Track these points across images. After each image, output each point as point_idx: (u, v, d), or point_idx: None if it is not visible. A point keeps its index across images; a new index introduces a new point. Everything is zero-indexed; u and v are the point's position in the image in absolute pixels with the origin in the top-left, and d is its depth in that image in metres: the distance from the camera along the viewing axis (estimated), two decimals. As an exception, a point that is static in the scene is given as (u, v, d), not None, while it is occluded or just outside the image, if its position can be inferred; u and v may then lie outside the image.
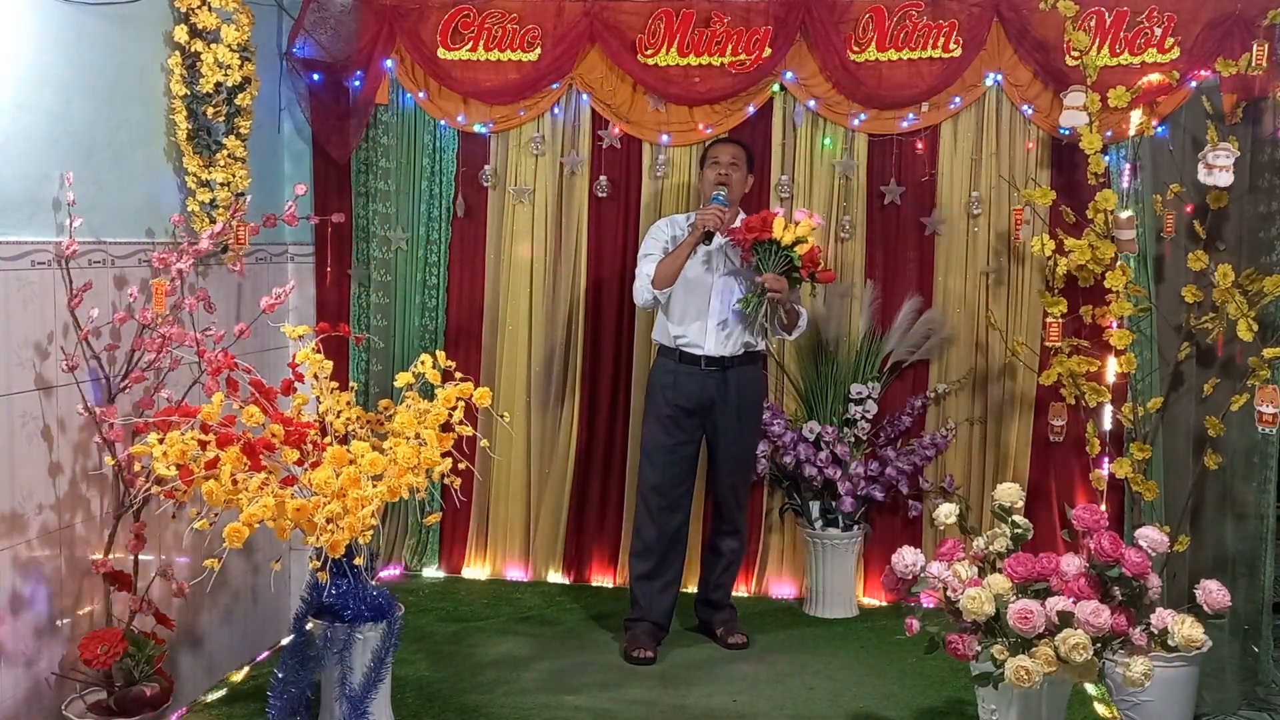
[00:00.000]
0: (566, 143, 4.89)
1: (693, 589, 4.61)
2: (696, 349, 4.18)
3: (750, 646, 4.30)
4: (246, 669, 3.97)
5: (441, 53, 4.82)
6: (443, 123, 4.91)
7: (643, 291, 4.22)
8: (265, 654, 4.11)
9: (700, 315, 4.19)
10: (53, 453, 3.53)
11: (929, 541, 4.71)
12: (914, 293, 4.76)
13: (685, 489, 4.30)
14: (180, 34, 3.98)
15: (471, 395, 3.36)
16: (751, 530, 4.90)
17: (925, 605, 3.13)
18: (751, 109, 4.75)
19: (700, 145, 4.71)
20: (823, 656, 4.24)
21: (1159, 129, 4.43)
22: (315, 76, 4.76)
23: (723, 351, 4.17)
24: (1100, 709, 3.74)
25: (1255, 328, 4.09)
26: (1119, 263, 4.29)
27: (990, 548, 3.12)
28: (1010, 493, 3.18)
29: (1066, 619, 2.85)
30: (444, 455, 3.29)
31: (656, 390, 4.28)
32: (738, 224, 4.16)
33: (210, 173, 4.10)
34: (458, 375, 3.41)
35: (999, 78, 4.60)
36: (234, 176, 4.16)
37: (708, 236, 4.11)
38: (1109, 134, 4.40)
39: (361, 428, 3.52)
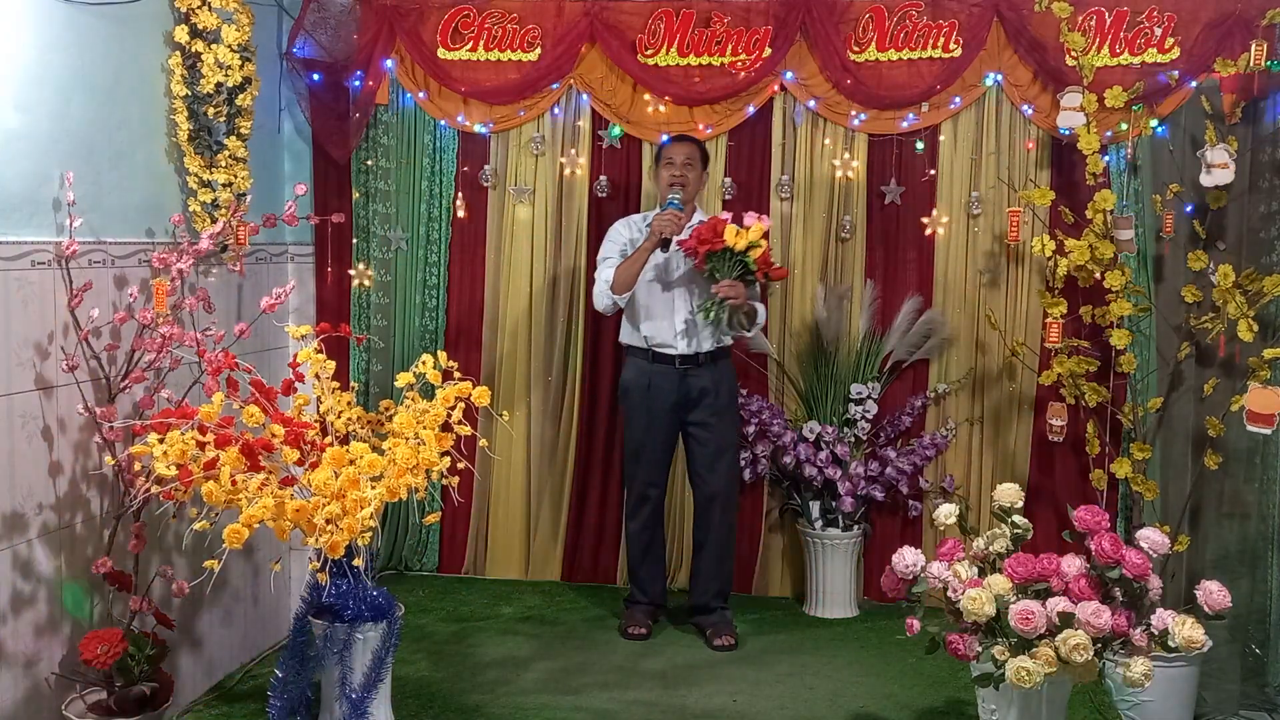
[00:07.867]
0: (566, 143, 4.89)
1: (687, 583, 4.65)
2: (669, 349, 4.24)
3: (751, 647, 4.30)
4: (246, 669, 3.97)
5: (441, 53, 4.81)
6: (443, 123, 4.91)
7: (601, 297, 4.29)
8: (265, 654, 4.11)
9: (667, 314, 4.24)
10: (53, 453, 3.53)
11: (929, 541, 4.71)
12: (914, 293, 4.76)
13: (667, 470, 4.48)
14: (180, 34, 3.98)
15: (470, 395, 3.36)
16: (752, 530, 4.91)
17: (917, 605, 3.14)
18: (751, 109, 4.75)
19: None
20: (823, 656, 4.24)
21: (1159, 129, 4.43)
22: (315, 76, 4.76)
23: (695, 350, 4.23)
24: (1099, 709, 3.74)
25: (1255, 328, 4.09)
26: (1119, 263, 4.29)
27: (990, 548, 3.12)
28: (1010, 493, 3.18)
29: (1067, 620, 2.85)
30: (443, 455, 3.29)
31: (635, 392, 4.33)
32: (694, 225, 4.20)
33: (212, 173, 4.10)
34: (458, 375, 3.41)
35: (999, 78, 4.60)
36: (235, 177, 4.16)
37: (664, 243, 4.15)
38: (1109, 134, 4.40)
39: (362, 428, 3.52)
